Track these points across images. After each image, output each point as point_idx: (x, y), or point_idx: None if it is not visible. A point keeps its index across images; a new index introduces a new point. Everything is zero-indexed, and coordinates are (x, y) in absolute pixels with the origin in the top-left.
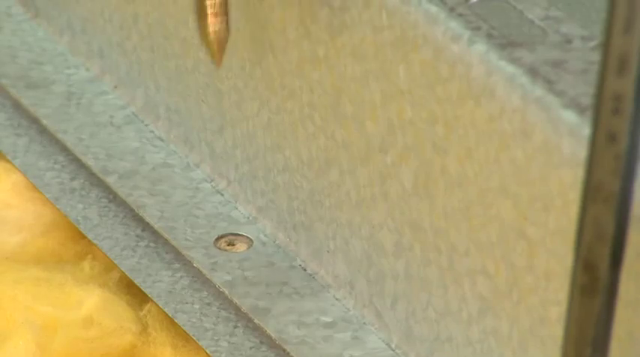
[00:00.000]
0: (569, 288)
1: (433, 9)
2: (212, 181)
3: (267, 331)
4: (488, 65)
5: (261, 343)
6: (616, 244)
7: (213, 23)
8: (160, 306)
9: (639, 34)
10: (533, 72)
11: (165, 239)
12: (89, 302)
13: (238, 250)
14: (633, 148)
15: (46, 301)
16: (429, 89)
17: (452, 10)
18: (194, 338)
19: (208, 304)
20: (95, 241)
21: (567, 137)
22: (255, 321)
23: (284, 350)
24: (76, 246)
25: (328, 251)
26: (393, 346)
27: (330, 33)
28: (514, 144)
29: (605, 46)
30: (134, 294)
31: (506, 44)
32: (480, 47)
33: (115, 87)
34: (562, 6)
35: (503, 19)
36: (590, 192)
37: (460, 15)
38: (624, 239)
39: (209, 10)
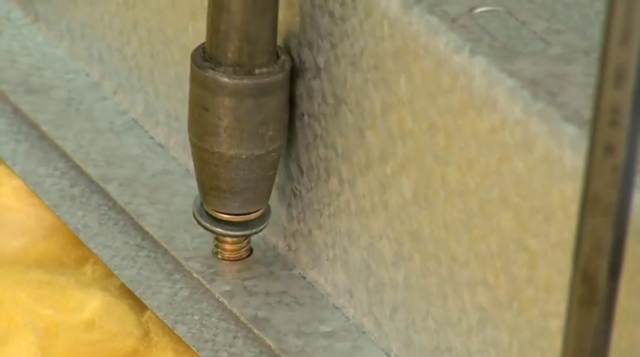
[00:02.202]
0: (568, 299)
1: (435, 20)
2: None
3: (267, 341)
4: (490, 77)
5: (261, 353)
6: (614, 255)
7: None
8: (160, 317)
9: (636, 45)
10: (535, 84)
11: (166, 249)
12: (91, 305)
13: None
14: (631, 159)
15: (48, 304)
16: (430, 100)
17: (454, 21)
18: (194, 349)
19: (208, 315)
20: (95, 251)
21: (569, 150)
22: (255, 331)
23: None
24: (77, 251)
25: (327, 260)
26: (392, 355)
27: (331, 42)
28: (515, 156)
29: (603, 58)
30: (136, 298)
31: (508, 56)
32: (482, 59)
33: (115, 92)
34: (564, 18)
35: (505, 31)
36: (588, 204)
37: (462, 26)
38: (622, 250)
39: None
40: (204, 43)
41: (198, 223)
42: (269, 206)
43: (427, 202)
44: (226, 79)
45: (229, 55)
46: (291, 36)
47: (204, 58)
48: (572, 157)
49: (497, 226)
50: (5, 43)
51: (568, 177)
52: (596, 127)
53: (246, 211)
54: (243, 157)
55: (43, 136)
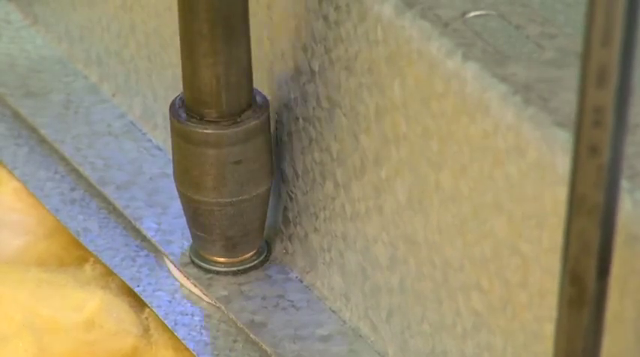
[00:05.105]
0: (558, 301)
1: (427, 24)
2: None
3: (263, 346)
4: (483, 82)
5: None
6: (602, 255)
7: None
8: (161, 317)
9: (618, 45)
10: (527, 89)
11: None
12: (91, 304)
13: None
14: (616, 159)
15: (47, 303)
16: (423, 104)
17: (446, 25)
18: (194, 353)
19: (208, 315)
20: (95, 253)
21: (561, 155)
22: (252, 336)
23: None
24: (78, 250)
25: (324, 263)
26: None
27: (325, 46)
28: (508, 161)
29: (585, 59)
30: (136, 296)
31: (500, 60)
32: (474, 63)
33: (113, 95)
34: (557, 22)
35: (498, 35)
36: (575, 204)
37: (455, 30)
38: (610, 250)
39: None
40: (181, 95)
41: (194, 263)
42: (266, 246)
43: (421, 207)
44: (208, 131)
45: (208, 106)
46: (286, 40)
47: (184, 110)
48: (564, 162)
49: (491, 231)
50: (4, 46)
51: (560, 182)
52: (580, 128)
53: (239, 255)
54: (231, 203)
55: (42, 140)
